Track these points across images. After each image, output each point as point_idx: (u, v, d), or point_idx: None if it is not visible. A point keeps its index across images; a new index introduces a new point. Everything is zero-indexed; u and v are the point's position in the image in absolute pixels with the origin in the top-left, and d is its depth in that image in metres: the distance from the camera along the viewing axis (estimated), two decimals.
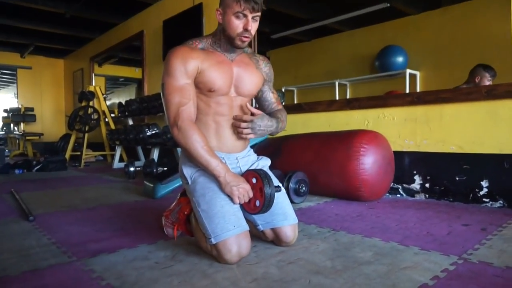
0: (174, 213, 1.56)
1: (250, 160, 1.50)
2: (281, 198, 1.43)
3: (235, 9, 1.28)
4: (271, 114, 1.54)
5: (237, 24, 1.31)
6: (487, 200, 2.13)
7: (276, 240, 1.42)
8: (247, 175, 1.37)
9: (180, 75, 1.32)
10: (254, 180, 1.34)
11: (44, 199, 2.61)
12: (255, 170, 1.36)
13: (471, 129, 2.20)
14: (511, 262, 1.22)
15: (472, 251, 1.33)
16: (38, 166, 4.58)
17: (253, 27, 1.33)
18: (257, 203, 1.32)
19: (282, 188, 1.47)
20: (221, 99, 1.40)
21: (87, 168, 5.04)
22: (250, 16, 1.30)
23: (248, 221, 1.42)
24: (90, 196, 2.71)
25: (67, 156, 5.47)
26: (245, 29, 1.31)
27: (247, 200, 1.32)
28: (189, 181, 1.39)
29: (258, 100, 1.60)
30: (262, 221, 1.41)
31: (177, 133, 1.31)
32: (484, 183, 2.14)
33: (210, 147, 1.33)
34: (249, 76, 1.45)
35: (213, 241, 1.23)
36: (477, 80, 2.95)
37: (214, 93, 1.37)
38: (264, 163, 1.53)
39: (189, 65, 1.32)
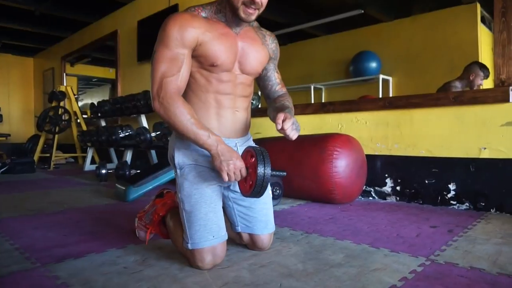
0: (148, 215, 1.53)
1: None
2: (268, 204, 1.41)
3: None
4: (277, 102, 1.39)
5: None
6: (455, 202, 2.19)
7: (251, 245, 1.41)
8: (246, 152, 1.22)
9: (175, 44, 1.17)
10: (252, 160, 1.18)
11: (9, 202, 2.50)
12: (253, 148, 1.20)
13: (439, 134, 2.26)
14: (475, 262, 1.26)
15: (439, 252, 1.37)
16: (4, 168, 4.40)
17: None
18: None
19: (270, 194, 1.45)
20: (224, 75, 1.27)
21: (57, 171, 4.88)
22: None
23: (227, 220, 1.41)
24: (59, 199, 2.62)
25: (35, 158, 5.28)
26: (253, 0, 1.15)
27: (238, 179, 1.18)
28: (178, 172, 1.29)
29: (261, 79, 1.46)
30: (242, 223, 1.39)
31: (158, 107, 1.17)
32: (452, 186, 2.20)
33: (198, 119, 1.18)
34: (254, 52, 1.32)
35: (190, 246, 1.21)
36: (471, 77, 2.91)
37: (216, 68, 1.25)
38: None
39: (187, 34, 1.17)
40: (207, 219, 1.23)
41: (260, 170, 1.13)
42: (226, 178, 1.16)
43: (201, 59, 1.23)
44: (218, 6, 1.26)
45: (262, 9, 1.21)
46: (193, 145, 1.26)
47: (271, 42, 1.41)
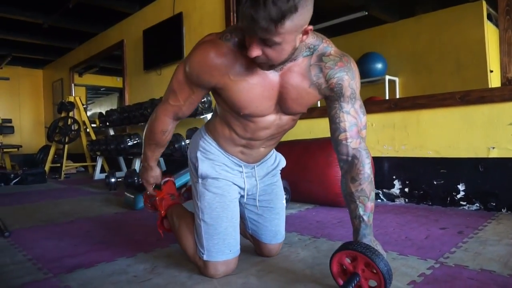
0: (151, 201, 1.53)
1: (266, 166, 1.36)
2: (281, 214, 1.40)
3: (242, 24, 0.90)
4: (351, 204, 1.09)
5: (247, 41, 0.93)
6: (464, 203, 2.17)
7: (259, 251, 1.42)
8: (340, 257, 1.03)
9: (190, 78, 1.09)
10: (348, 260, 1.02)
11: (21, 213, 2.54)
12: (347, 248, 1.01)
13: (447, 134, 2.25)
14: (486, 264, 1.25)
15: (449, 255, 1.36)
16: (16, 179, 4.47)
17: (268, 52, 0.91)
18: (371, 283, 0.99)
19: (284, 203, 1.44)
20: (259, 120, 1.14)
21: (67, 180, 4.94)
22: (255, 39, 0.89)
23: (241, 220, 1.40)
24: (69, 209, 2.66)
25: (46, 168, 5.35)
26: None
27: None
28: (200, 181, 1.23)
29: (328, 116, 1.13)
30: (252, 230, 1.40)
31: (153, 113, 1.24)
32: (461, 187, 2.18)
33: (157, 145, 1.29)
34: (296, 95, 1.07)
35: (205, 257, 1.20)
36: None
37: (246, 115, 1.12)
38: (281, 165, 1.42)
39: (202, 76, 1.06)
40: (226, 233, 1.21)
41: (382, 267, 0.94)
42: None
43: (227, 101, 1.10)
44: None
45: (276, 62, 0.95)
46: (218, 158, 1.25)
47: (330, 77, 1.05)
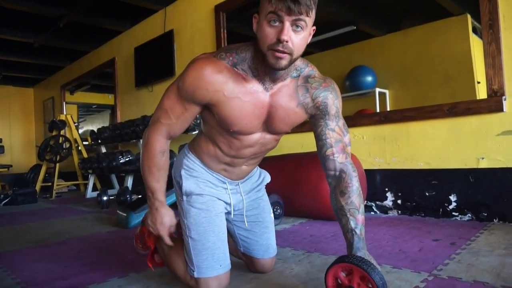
0: (141, 239, 1.51)
1: (250, 183, 1.39)
2: (270, 228, 1.41)
3: (267, 10, 0.96)
4: (342, 217, 1.11)
5: (269, 33, 0.97)
6: (456, 214, 2.18)
7: (252, 267, 1.41)
8: (335, 271, 1.02)
9: (183, 95, 1.10)
10: (343, 274, 1.01)
11: (10, 235, 2.50)
12: (343, 260, 1.01)
13: (436, 146, 2.27)
14: (479, 276, 1.25)
15: (442, 267, 1.36)
16: (6, 200, 4.39)
17: (294, 38, 0.97)
18: None
19: (272, 216, 1.44)
20: (245, 139, 1.18)
21: (58, 199, 4.88)
22: (287, 20, 0.95)
23: (230, 237, 1.40)
24: (60, 229, 2.62)
25: (37, 187, 5.28)
26: (278, 39, 0.96)
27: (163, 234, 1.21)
28: (184, 199, 1.24)
29: (315, 136, 1.21)
30: (244, 246, 1.39)
31: (144, 133, 1.20)
32: (453, 197, 2.20)
33: (159, 173, 1.19)
34: (283, 115, 1.13)
35: (196, 275, 1.19)
36: None
37: (233, 132, 1.15)
38: (266, 181, 1.45)
39: (198, 93, 1.07)
40: (215, 248, 1.20)
41: (377, 279, 0.94)
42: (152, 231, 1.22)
43: (216, 118, 1.14)
44: (254, 52, 1.07)
45: (295, 54, 1.00)
46: (202, 175, 1.26)
47: (316, 96, 1.13)
